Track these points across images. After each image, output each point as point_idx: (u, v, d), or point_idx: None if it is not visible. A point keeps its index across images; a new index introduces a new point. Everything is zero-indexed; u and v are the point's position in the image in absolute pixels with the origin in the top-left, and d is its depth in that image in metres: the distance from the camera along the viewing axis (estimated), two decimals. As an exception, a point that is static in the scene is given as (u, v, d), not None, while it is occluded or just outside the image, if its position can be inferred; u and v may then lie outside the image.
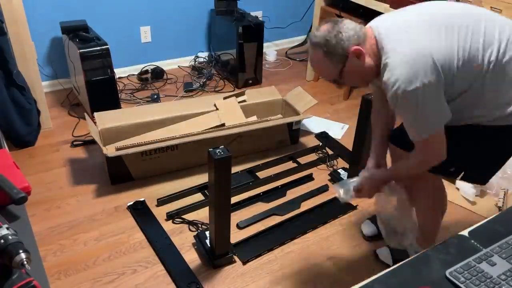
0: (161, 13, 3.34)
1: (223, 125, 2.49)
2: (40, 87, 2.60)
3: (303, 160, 2.56)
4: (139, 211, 2.10)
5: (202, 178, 2.33)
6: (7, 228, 0.90)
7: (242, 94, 2.70)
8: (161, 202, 2.16)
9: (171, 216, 2.08)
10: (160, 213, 2.10)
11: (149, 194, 2.23)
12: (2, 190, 1.05)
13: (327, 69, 1.42)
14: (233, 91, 3.20)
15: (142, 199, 2.16)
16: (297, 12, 3.86)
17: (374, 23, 1.45)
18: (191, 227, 2.05)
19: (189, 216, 2.11)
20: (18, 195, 1.04)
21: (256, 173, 2.41)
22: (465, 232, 1.07)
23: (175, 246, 1.92)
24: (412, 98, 1.31)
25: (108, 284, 1.76)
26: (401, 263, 0.98)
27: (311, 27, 3.50)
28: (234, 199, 2.15)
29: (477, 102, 1.41)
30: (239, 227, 2.06)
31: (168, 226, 2.05)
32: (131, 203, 2.14)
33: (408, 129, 1.42)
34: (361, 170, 1.68)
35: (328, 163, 2.54)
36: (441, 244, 1.03)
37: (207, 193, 2.24)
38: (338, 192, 1.64)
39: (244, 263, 1.88)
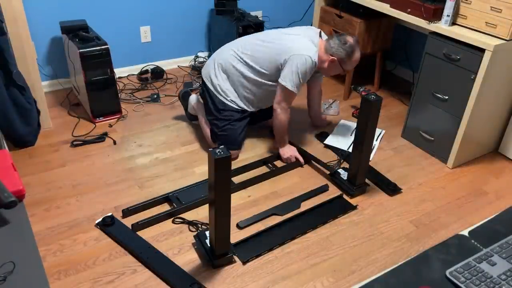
0: (161, 13, 3.34)
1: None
2: (40, 87, 2.60)
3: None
4: (110, 226, 2.00)
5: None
6: None
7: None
8: (127, 212, 2.09)
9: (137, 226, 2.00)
10: (129, 223, 2.03)
11: (149, 194, 2.23)
12: None
13: None
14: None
15: (110, 213, 2.07)
16: (297, 12, 3.85)
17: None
18: (191, 227, 2.05)
19: (189, 216, 2.11)
20: (8, 199, 1.03)
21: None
22: (465, 232, 1.07)
23: (162, 253, 1.88)
24: None
25: (108, 284, 1.76)
26: (401, 263, 0.97)
27: (311, 27, 3.50)
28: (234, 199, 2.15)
29: None
30: (239, 227, 2.06)
31: (167, 227, 2.05)
32: (100, 220, 2.03)
33: None
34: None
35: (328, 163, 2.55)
36: (441, 244, 1.03)
37: (174, 203, 2.18)
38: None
39: (244, 263, 1.88)
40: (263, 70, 2.39)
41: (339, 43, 2.33)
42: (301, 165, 2.51)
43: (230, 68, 2.44)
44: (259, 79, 2.41)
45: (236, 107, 2.46)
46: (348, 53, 2.34)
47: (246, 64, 2.41)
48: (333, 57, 2.35)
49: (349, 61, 2.37)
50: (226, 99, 2.45)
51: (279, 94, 2.38)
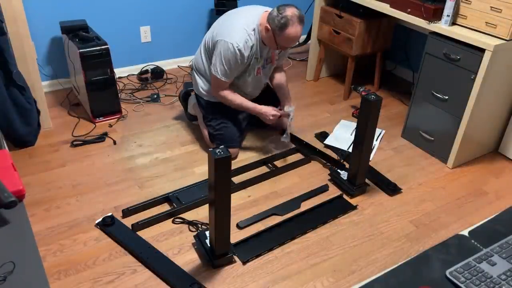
0: (161, 13, 3.34)
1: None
2: (40, 87, 2.60)
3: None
4: (110, 226, 2.00)
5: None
6: None
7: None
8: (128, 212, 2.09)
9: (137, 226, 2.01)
10: (129, 223, 2.03)
11: (149, 194, 2.23)
12: None
13: None
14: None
15: (110, 213, 2.07)
16: (297, 12, 3.86)
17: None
18: (191, 227, 2.05)
19: (189, 216, 2.10)
20: (8, 199, 1.03)
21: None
22: (465, 232, 1.07)
23: (162, 253, 1.88)
24: None
25: (108, 284, 1.76)
26: (401, 263, 0.97)
27: (311, 27, 3.50)
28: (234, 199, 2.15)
29: None
30: (239, 227, 2.05)
31: (167, 227, 2.05)
32: (100, 220, 2.03)
33: None
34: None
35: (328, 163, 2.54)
36: (441, 244, 1.03)
37: (174, 203, 2.18)
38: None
39: (244, 263, 1.88)
40: (212, 54, 2.33)
41: (276, 13, 2.17)
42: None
43: (200, 64, 2.44)
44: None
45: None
46: (280, 25, 2.15)
47: (205, 50, 2.39)
48: (268, 25, 2.20)
49: (281, 34, 2.18)
50: (212, 98, 2.46)
51: (211, 82, 2.36)
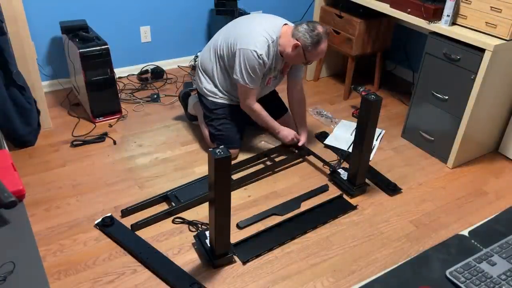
0: (161, 13, 3.34)
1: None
2: (40, 87, 2.60)
3: (303, 160, 2.56)
4: (110, 227, 2.00)
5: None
6: None
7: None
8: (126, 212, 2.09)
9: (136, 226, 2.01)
10: (129, 223, 2.03)
11: (149, 194, 2.23)
12: None
13: None
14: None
15: (109, 214, 2.07)
16: (297, 12, 3.85)
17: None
18: (191, 227, 2.05)
19: (189, 216, 2.11)
20: (8, 199, 1.03)
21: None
22: (465, 232, 1.07)
23: (162, 253, 1.88)
24: None
25: (108, 284, 1.76)
26: (401, 263, 0.97)
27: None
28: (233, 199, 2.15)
29: None
30: (239, 227, 2.05)
31: (167, 227, 2.05)
32: (99, 220, 2.03)
33: None
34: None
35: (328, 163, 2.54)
36: (441, 244, 1.03)
37: (172, 202, 2.18)
38: None
39: (244, 263, 1.88)
40: (225, 59, 2.34)
41: (307, 29, 2.20)
42: (297, 143, 2.54)
43: (207, 65, 2.43)
44: (227, 69, 2.37)
45: (228, 102, 2.46)
46: (314, 41, 2.19)
47: (216, 54, 2.39)
48: (297, 42, 2.21)
49: (313, 50, 2.22)
50: (215, 98, 2.46)
51: (239, 92, 2.35)
